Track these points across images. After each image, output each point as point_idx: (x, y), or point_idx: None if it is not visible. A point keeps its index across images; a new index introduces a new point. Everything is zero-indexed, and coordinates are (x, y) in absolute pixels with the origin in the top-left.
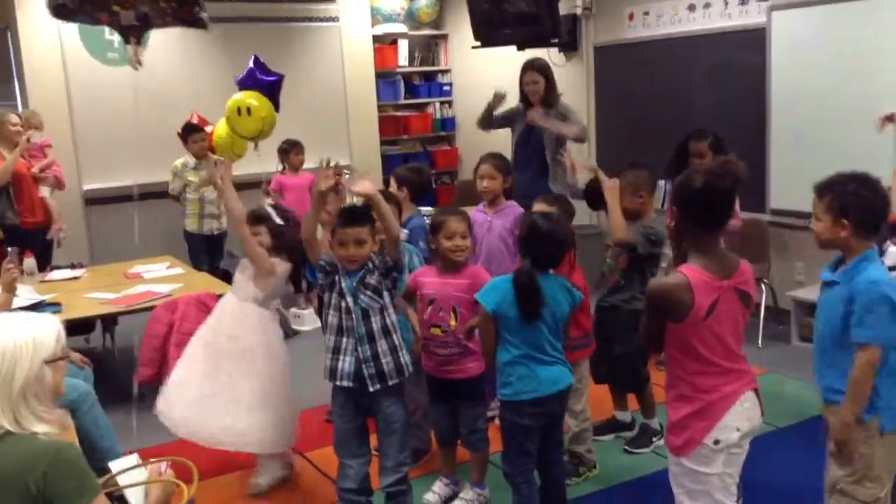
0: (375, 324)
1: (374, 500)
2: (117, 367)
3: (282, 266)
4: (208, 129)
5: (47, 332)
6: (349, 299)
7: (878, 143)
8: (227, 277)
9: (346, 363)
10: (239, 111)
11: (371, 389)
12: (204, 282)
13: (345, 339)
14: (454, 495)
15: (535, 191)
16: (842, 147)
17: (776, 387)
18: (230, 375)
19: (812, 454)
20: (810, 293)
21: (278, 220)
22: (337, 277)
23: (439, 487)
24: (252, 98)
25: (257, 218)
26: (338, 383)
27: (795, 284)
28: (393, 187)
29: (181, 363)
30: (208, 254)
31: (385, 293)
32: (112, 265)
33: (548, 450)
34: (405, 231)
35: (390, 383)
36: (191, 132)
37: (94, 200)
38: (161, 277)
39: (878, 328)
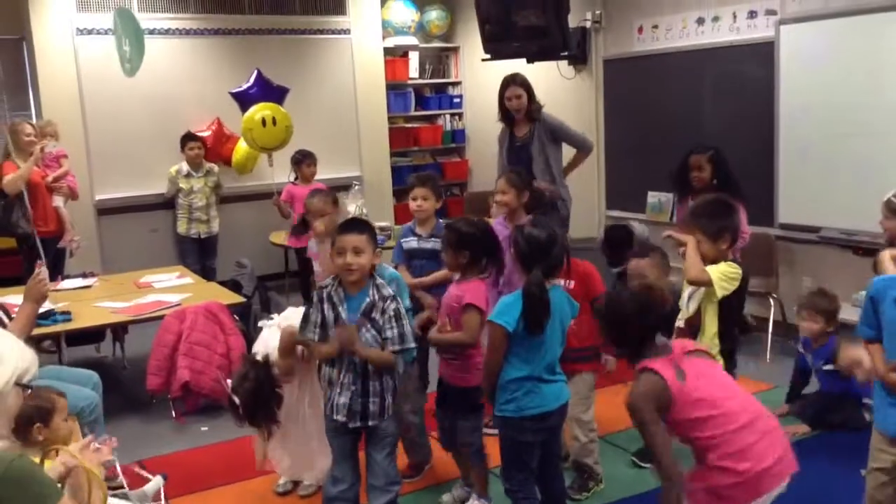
0: None
1: None
2: (127, 377)
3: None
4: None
5: (26, 360)
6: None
7: (884, 158)
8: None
9: (341, 397)
10: (264, 122)
11: (351, 426)
12: (213, 291)
13: (340, 372)
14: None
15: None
16: (849, 162)
17: (778, 402)
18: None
19: (818, 469)
20: None
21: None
22: (327, 307)
23: (455, 490)
24: (272, 110)
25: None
26: (335, 418)
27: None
28: (429, 199)
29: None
30: (199, 255)
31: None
32: (123, 275)
33: (548, 464)
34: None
35: (370, 424)
36: (186, 140)
37: (107, 210)
38: (171, 287)
39: None
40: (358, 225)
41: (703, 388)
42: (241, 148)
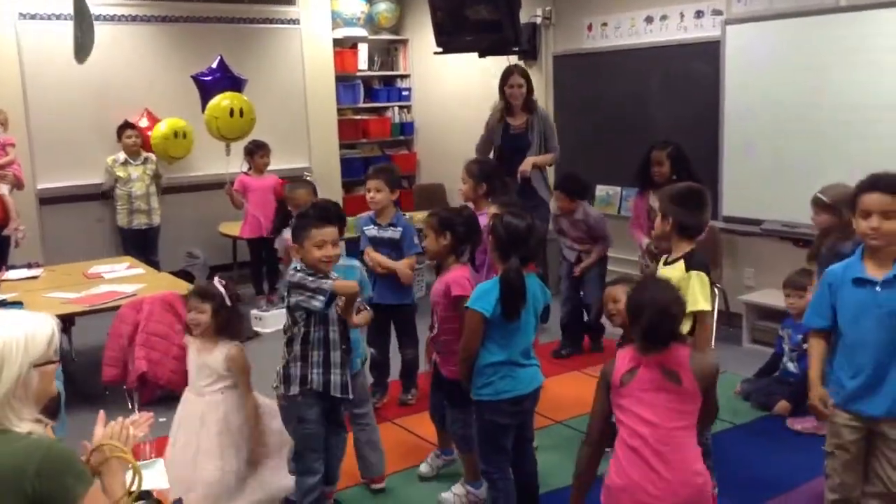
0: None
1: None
2: (77, 369)
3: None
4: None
5: (40, 333)
6: (333, 312)
7: (824, 154)
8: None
9: (337, 376)
10: (232, 112)
11: (351, 397)
12: (167, 282)
13: (334, 352)
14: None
15: (523, 196)
16: (790, 158)
17: (731, 386)
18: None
19: (768, 448)
20: (760, 297)
21: (226, 299)
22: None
23: (431, 458)
24: (238, 100)
25: (202, 294)
26: (333, 394)
27: (745, 289)
28: (382, 190)
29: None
30: (141, 249)
31: None
32: (70, 265)
33: (521, 446)
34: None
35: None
36: (123, 129)
37: (49, 200)
38: (123, 278)
39: None
40: (331, 217)
41: (633, 401)
42: (160, 132)
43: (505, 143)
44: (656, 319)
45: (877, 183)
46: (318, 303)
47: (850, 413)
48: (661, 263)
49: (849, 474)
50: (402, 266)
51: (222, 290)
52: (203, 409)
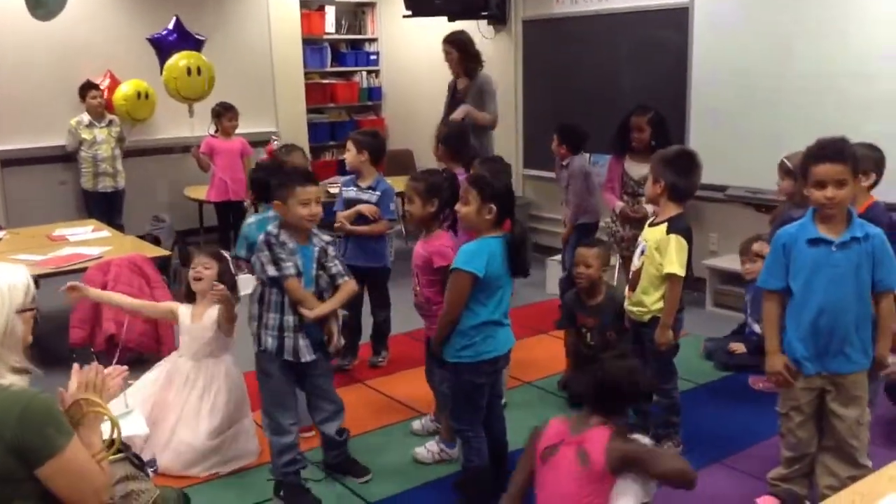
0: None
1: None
2: (41, 331)
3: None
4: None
5: (18, 281)
6: (304, 281)
7: (788, 121)
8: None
9: (290, 339)
10: (189, 71)
11: (303, 359)
12: (133, 245)
13: (286, 316)
14: (437, 432)
15: None
16: (755, 124)
17: (695, 348)
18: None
19: (730, 406)
20: (723, 262)
21: (232, 267)
22: (283, 251)
23: (425, 421)
24: (195, 58)
25: (213, 255)
26: (286, 357)
27: (709, 254)
28: (350, 150)
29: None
30: (106, 212)
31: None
32: (33, 228)
33: (492, 404)
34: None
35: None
36: (87, 89)
37: (10, 162)
38: (88, 240)
39: None
40: (313, 177)
41: (547, 483)
42: (123, 93)
43: (450, 106)
44: (607, 391)
45: (825, 153)
46: (269, 273)
47: (805, 375)
48: (646, 225)
49: (804, 430)
50: (367, 230)
51: (229, 257)
52: (194, 373)
